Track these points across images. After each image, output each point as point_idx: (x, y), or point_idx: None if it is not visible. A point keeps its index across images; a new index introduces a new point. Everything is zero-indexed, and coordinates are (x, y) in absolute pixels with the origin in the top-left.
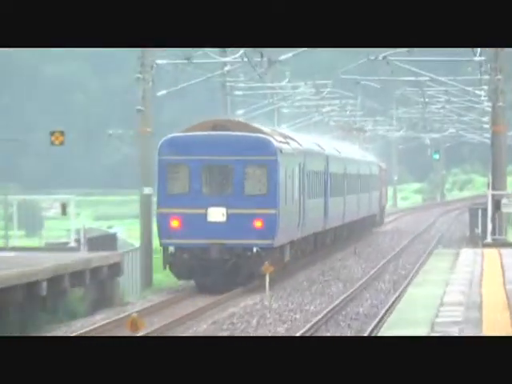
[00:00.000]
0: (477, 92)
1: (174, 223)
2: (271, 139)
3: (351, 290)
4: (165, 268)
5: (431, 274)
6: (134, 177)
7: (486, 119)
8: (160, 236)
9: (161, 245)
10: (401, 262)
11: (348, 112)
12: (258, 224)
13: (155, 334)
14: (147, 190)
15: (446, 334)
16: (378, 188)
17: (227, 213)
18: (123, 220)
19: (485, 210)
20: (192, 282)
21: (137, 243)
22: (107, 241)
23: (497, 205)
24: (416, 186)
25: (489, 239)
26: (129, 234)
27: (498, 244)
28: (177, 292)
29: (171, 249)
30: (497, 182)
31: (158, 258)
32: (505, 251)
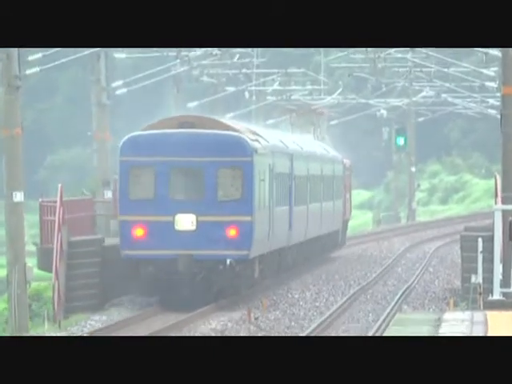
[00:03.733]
0: None
1: (138, 232)
2: (246, 138)
3: None
4: (128, 282)
5: None
6: None
7: (490, 72)
8: (121, 246)
9: (122, 256)
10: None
11: (236, 59)
12: (231, 232)
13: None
14: (18, 197)
15: None
16: (342, 195)
17: (197, 220)
18: None
19: (489, 241)
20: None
21: None
22: None
23: None
24: (363, 195)
25: (497, 294)
26: None
27: None
28: (139, 310)
29: (134, 261)
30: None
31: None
32: None
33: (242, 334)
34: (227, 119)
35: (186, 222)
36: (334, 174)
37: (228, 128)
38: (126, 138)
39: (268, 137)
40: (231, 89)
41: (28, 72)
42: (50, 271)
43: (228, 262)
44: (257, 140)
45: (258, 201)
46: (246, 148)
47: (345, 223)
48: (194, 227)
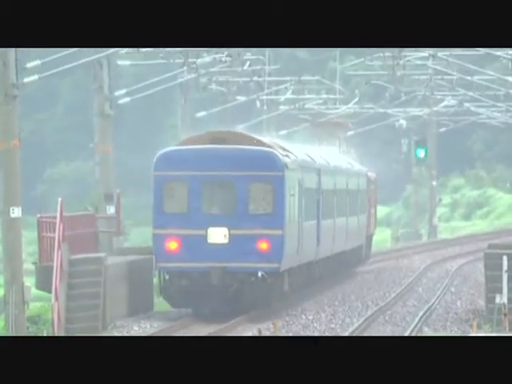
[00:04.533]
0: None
1: (172, 245)
2: (277, 153)
3: None
4: (161, 295)
5: None
6: None
7: None
8: (156, 259)
9: (156, 269)
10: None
11: (246, 66)
12: (263, 246)
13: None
14: (15, 212)
15: None
16: (366, 209)
17: (229, 233)
18: None
19: None
20: (187, 310)
21: None
22: None
23: None
24: (380, 211)
25: None
26: None
27: None
28: (171, 321)
29: (166, 274)
30: None
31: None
32: None
33: None
34: (240, 130)
35: (218, 235)
36: (358, 188)
37: (259, 143)
38: (160, 153)
39: (296, 151)
40: (242, 98)
41: (26, 80)
42: (49, 291)
43: (259, 274)
44: (287, 155)
45: (288, 215)
46: (278, 163)
47: (369, 238)
48: (226, 240)
